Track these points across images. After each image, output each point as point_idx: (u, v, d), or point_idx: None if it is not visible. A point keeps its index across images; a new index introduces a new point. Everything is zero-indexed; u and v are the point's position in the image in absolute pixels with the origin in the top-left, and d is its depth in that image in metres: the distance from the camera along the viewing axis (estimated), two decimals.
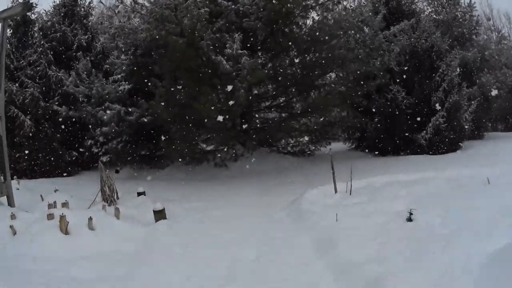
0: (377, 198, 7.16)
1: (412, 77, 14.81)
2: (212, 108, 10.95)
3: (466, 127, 15.35)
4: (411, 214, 5.55)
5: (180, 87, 11.38)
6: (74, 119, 15.37)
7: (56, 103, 15.34)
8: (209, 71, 11.14)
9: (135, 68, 13.14)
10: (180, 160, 12.84)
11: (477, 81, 18.20)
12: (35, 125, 15.31)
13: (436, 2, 20.06)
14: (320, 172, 11.80)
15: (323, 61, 12.01)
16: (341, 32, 12.16)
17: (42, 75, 15.94)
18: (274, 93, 12.92)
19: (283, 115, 13.96)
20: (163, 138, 12.61)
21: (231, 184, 11.57)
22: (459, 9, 20.02)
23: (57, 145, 15.51)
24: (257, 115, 13.69)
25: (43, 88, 15.68)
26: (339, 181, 8.22)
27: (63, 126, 15.57)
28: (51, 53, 16.26)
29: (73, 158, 15.58)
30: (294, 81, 12.13)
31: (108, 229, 6.58)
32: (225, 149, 13.27)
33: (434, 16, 19.34)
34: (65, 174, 15.19)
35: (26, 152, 15.04)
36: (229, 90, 10.56)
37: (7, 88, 13.97)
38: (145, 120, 12.59)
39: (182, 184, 11.40)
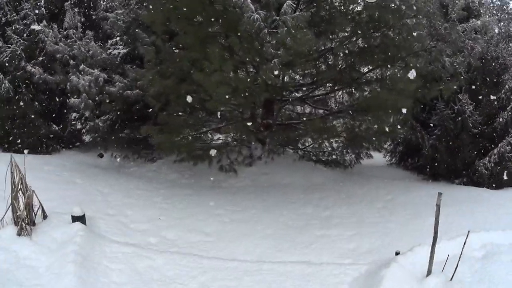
0: None
1: (480, 89, 10.34)
2: (221, 85, 6.12)
3: None
4: None
5: (178, 47, 6.61)
6: (61, 86, 10.98)
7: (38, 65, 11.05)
8: (224, 23, 6.15)
9: (137, 23, 8.45)
10: (172, 154, 8.08)
11: None
12: (13, 88, 11.11)
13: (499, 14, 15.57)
14: (369, 198, 7.23)
15: (387, 48, 7.41)
16: (414, 13, 7.53)
17: (31, 31, 11.70)
18: (314, 79, 8.06)
19: (321, 111, 9.17)
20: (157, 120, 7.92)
21: (240, 206, 6.83)
22: None
23: (35, 116, 11.21)
24: (286, 107, 8.85)
25: (30, 47, 11.44)
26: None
27: (47, 93, 11.27)
28: (45, 5, 11.92)
29: (53, 133, 11.20)
30: (344, 67, 7.51)
31: None
32: (237, 147, 8.65)
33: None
34: (40, 151, 10.87)
35: None
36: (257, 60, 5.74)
37: None
38: (129, 93, 7.98)
39: (168, 193, 6.79)
